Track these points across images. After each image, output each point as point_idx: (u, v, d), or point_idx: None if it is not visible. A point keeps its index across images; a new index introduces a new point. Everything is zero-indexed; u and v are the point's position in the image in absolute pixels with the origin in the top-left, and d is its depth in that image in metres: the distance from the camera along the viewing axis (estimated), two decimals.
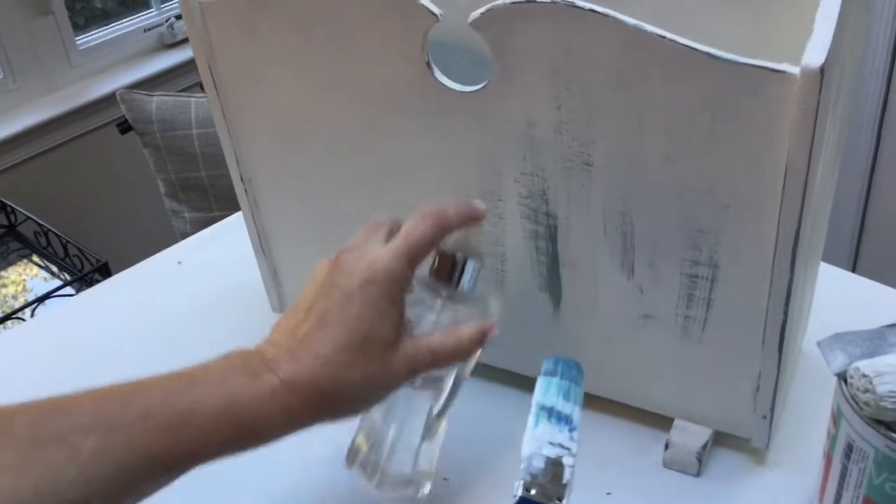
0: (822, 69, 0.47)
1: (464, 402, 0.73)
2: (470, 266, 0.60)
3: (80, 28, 2.06)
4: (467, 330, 0.57)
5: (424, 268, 0.59)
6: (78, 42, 2.03)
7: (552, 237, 0.63)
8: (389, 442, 0.60)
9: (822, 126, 0.51)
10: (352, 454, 0.60)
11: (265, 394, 0.51)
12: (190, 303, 0.88)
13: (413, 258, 0.55)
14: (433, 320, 0.59)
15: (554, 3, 0.53)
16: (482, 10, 0.55)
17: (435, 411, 0.60)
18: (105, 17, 2.11)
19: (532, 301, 0.67)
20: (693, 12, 0.63)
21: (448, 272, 0.60)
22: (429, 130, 0.62)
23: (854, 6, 0.56)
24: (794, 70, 0.48)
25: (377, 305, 0.53)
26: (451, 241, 0.59)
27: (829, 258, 0.80)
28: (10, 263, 1.86)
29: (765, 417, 0.64)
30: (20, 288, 1.83)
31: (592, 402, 0.71)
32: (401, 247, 0.55)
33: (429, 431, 0.60)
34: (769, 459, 0.67)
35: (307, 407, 0.52)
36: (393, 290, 0.54)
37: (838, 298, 0.79)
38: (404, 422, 0.60)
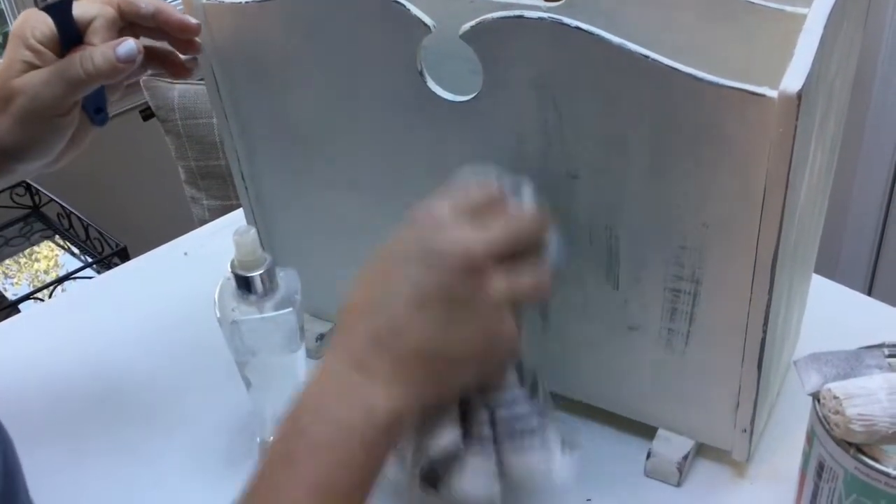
0: (800, 95, 0.48)
1: None
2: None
3: None
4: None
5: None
6: None
7: None
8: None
9: (803, 149, 0.52)
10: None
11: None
12: (194, 293, 0.90)
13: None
14: None
15: (541, 19, 0.53)
16: (472, 22, 0.56)
17: None
18: None
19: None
20: (686, 31, 0.63)
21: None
22: (422, 138, 0.63)
23: (843, 26, 0.57)
24: (773, 94, 0.49)
25: None
26: None
27: (845, 279, 0.79)
28: (34, 244, 1.90)
29: (745, 431, 0.64)
30: (52, 263, 1.86)
31: (578, 408, 0.72)
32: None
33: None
34: (750, 472, 0.68)
35: None
36: None
37: (836, 316, 0.79)
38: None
